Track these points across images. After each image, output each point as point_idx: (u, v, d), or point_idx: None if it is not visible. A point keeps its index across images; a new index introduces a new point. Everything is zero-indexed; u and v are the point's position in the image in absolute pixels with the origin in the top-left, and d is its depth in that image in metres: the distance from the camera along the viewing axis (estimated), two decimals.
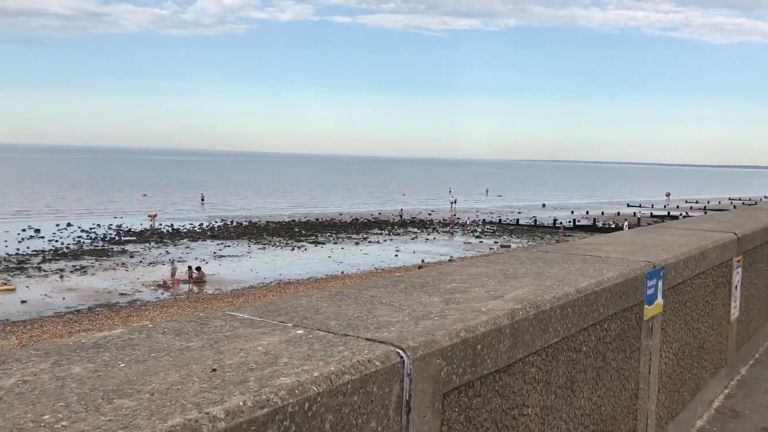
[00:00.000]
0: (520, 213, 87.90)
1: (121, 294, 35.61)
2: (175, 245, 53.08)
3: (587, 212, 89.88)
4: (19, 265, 42.61)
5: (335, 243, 56.48)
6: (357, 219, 75.94)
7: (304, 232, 62.60)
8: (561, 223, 73.24)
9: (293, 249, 52.67)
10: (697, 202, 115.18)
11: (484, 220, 77.97)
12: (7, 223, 63.07)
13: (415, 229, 67.70)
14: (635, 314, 3.41)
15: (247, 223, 68.48)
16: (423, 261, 47.18)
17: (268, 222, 70.47)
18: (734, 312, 5.40)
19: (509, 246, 56.80)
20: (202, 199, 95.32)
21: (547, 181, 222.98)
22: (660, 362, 3.86)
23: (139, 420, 1.26)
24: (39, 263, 43.36)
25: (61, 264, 43.31)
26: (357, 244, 56.45)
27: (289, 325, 1.99)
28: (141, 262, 45.24)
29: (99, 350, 1.69)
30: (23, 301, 33.20)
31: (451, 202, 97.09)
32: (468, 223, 72.67)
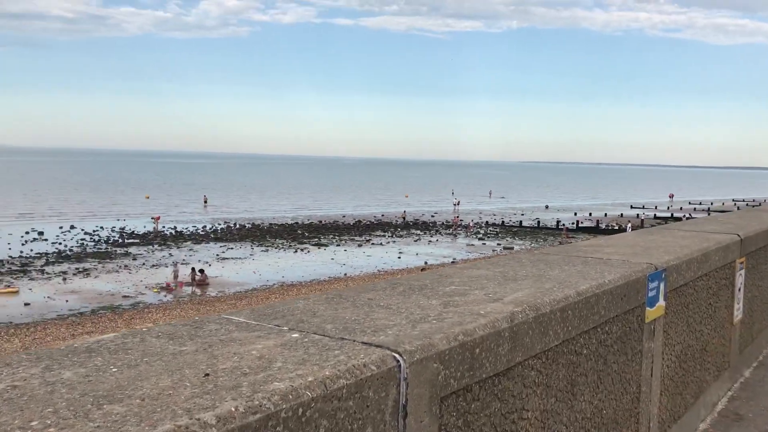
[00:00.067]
0: (523, 215, 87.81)
1: (124, 296, 35.62)
2: (178, 247, 53.11)
3: (590, 214, 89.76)
4: (23, 267, 42.66)
5: (338, 245, 56.47)
6: (360, 221, 75.91)
7: (307, 234, 62.60)
8: (564, 224, 73.13)
9: (296, 251, 52.67)
10: (700, 203, 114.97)
11: (487, 221, 77.89)
12: (11, 225, 63.17)
13: (418, 231, 67.65)
14: (637, 317, 3.39)
15: (250, 226, 68.51)
16: (426, 263, 47.13)
17: (271, 224, 70.49)
18: (737, 314, 5.37)
19: (512, 248, 56.73)
20: (205, 202, 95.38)
21: (550, 182, 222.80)
22: (662, 365, 3.83)
23: (128, 426, 1.24)
24: (42, 266, 43.41)
25: (65, 266, 43.36)
26: (360, 246, 56.43)
27: (285, 328, 1.97)
28: (144, 264, 45.27)
29: (91, 355, 1.67)
30: (26, 304, 33.23)
31: (455, 204, 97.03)
32: (471, 224, 72.60)
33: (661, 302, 3.68)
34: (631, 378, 3.36)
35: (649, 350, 3.58)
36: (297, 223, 72.63)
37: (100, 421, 1.26)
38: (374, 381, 1.66)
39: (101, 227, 63.63)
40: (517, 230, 71.11)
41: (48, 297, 34.86)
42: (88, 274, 41.29)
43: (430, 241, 60.90)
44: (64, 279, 39.64)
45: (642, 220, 77.10)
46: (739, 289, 5.38)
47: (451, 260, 48.52)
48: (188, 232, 62.42)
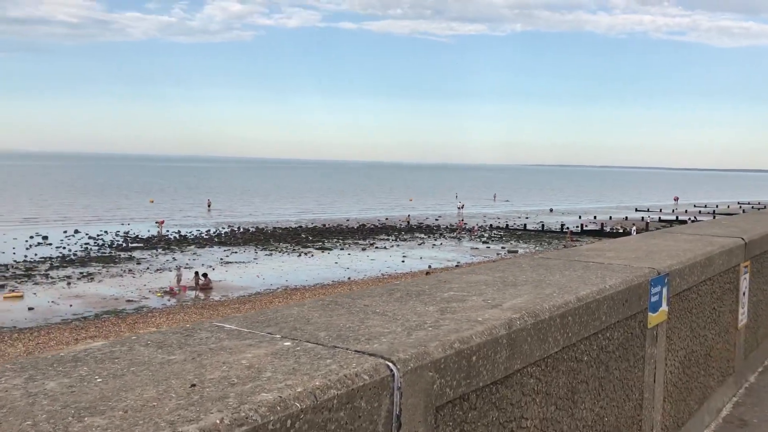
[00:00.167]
0: (527, 218, 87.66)
1: (128, 301, 35.63)
2: (182, 252, 53.14)
3: (595, 217, 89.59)
4: (27, 272, 42.73)
5: (342, 249, 56.43)
6: (364, 225, 75.89)
7: (310, 238, 62.58)
8: (568, 228, 72.97)
9: (300, 255, 52.65)
10: (705, 206, 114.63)
11: (491, 225, 77.81)
12: (16, 230, 63.32)
13: (422, 235, 67.59)
14: (639, 322, 3.34)
15: (253, 230, 68.53)
16: (430, 267, 47.07)
17: (274, 228, 70.51)
18: (742, 319, 5.31)
19: (516, 251, 56.63)
20: (209, 206, 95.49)
21: (554, 185, 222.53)
22: (665, 371, 3.78)
23: None
24: (46, 270, 43.47)
25: (69, 271, 43.41)
26: (364, 249, 56.39)
27: (277, 336, 1.93)
28: (148, 268, 45.29)
29: (77, 364, 1.64)
30: (30, 308, 33.26)
31: (459, 208, 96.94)
32: (475, 228, 72.52)
33: (664, 307, 3.63)
34: (633, 384, 3.31)
35: (652, 356, 3.53)
36: (301, 226, 72.64)
37: None
38: (366, 391, 1.62)
39: (105, 231, 63.72)
40: (522, 234, 70.99)
41: (52, 301, 34.89)
42: (92, 278, 41.33)
43: (434, 244, 60.83)
44: (68, 283, 39.68)
45: (647, 223, 76.90)
46: (744, 294, 5.32)
47: (455, 264, 48.45)
48: (192, 236, 62.46)
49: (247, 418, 1.34)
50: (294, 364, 1.66)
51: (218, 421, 1.30)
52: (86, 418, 1.30)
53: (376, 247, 57.79)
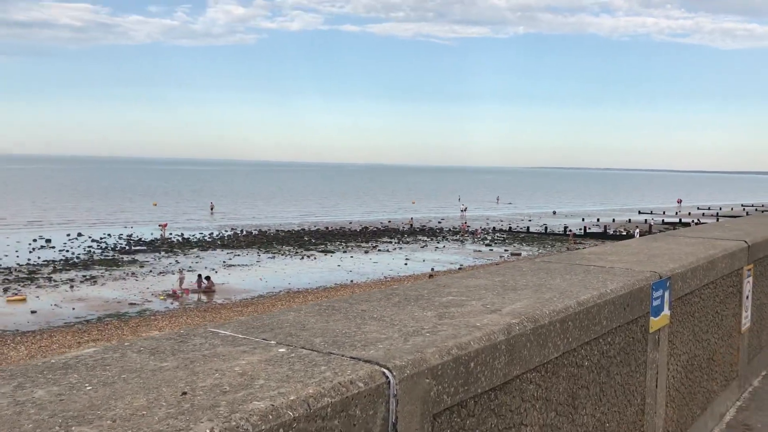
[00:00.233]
0: (530, 220, 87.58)
1: (131, 304, 35.64)
2: (185, 254, 53.17)
3: (598, 219, 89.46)
4: (30, 275, 42.77)
5: (345, 252, 56.41)
6: (367, 227, 75.86)
7: (313, 241, 62.58)
8: (571, 230, 72.89)
9: (303, 258, 52.63)
10: (709, 208, 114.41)
11: (494, 227, 77.74)
12: (19, 233, 63.42)
13: (425, 238, 67.54)
14: (640, 326, 3.31)
15: (256, 232, 68.55)
16: (433, 269, 47.02)
17: (277, 231, 70.51)
18: (745, 322, 5.27)
19: (520, 254, 56.56)
20: (212, 209, 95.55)
21: (557, 188, 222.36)
22: (667, 375, 3.74)
23: None
24: (50, 273, 43.50)
25: (72, 274, 43.45)
26: (366, 252, 56.36)
27: (272, 342, 1.90)
28: (151, 271, 45.31)
29: (67, 371, 1.61)
30: (33, 312, 33.28)
31: (462, 210, 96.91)
32: (478, 231, 72.45)
33: (666, 311, 3.59)
34: (635, 390, 3.28)
35: (654, 361, 3.50)
36: (304, 229, 72.65)
37: None
38: (362, 398, 1.59)
39: (108, 234, 63.79)
40: (525, 236, 70.92)
41: (55, 305, 34.91)
42: (95, 281, 41.36)
43: (437, 247, 60.78)
44: (71, 286, 39.71)
45: (650, 226, 76.76)
46: (747, 297, 5.29)
47: (458, 266, 48.40)
48: (195, 239, 62.49)
49: (237, 427, 1.31)
50: (288, 371, 1.63)
51: (208, 431, 1.27)
52: (73, 428, 1.27)
53: (379, 250, 57.75)
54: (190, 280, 40.44)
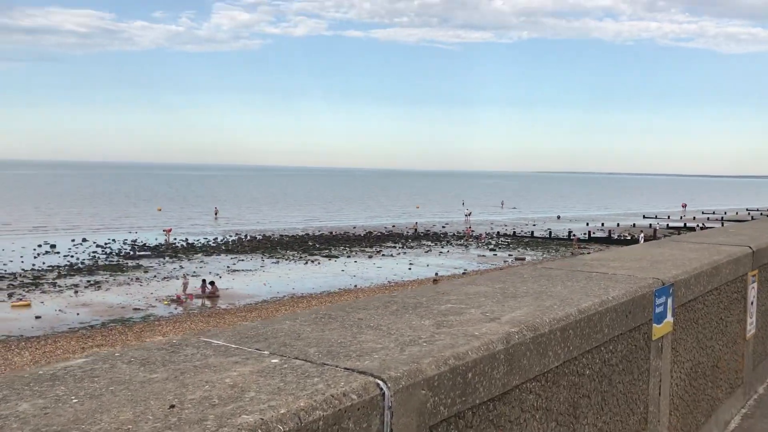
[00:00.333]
0: (534, 225, 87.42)
1: (135, 309, 35.63)
2: (189, 260, 53.19)
3: (602, 224, 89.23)
4: (35, 280, 42.83)
5: (349, 256, 56.36)
6: (371, 232, 75.80)
7: (317, 246, 62.55)
8: (575, 235, 72.71)
9: (306, 263, 52.60)
10: (714, 212, 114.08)
11: (498, 232, 77.59)
12: (24, 238, 63.54)
13: (429, 242, 67.45)
14: (643, 334, 3.26)
15: (260, 237, 68.56)
16: (437, 274, 46.92)
17: (281, 236, 70.51)
18: (750, 329, 5.22)
19: (524, 258, 56.44)
20: (216, 213, 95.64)
21: (562, 192, 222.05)
22: (671, 383, 3.70)
23: None
24: (54, 279, 43.54)
25: (76, 279, 43.48)
26: (371, 257, 56.30)
27: (265, 353, 1.87)
28: (155, 276, 45.33)
29: (55, 383, 1.58)
30: (37, 317, 33.28)
31: (466, 215, 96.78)
32: (483, 235, 72.35)
33: (669, 318, 3.55)
34: (638, 398, 3.23)
35: (657, 368, 3.46)
36: (308, 234, 72.64)
37: None
38: (355, 411, 1.55)
39: (113, 240, 63.86)
40: (529, 241, 70.77)
41: (59, 310, 34.92)
42: (100, 286, 41.38)
43: (441, 252, 60.69)
44: (76, 292, 39.73)
45: (655, 230, 76.54)
46: (752, 303, 5.23)
47: (462, 271, 48.31)
48: (199, 244, 62.53)
49: None
50: (279, 383, 1.60)
51: None
52: None
53: (383, 255, 57.69)
54: (194, 285, 40.44)
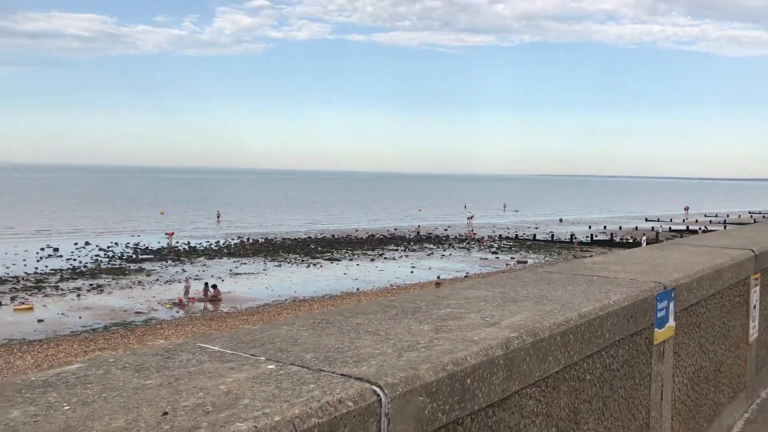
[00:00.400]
0: (537, 228, 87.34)
1: (137, 313, 35.63)
2: (191, 263, 53.20)
3: (605, 227, 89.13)
4: (37, 284, 42.85)
5: (351, 260, 56.34)
6: (373, 235, 75.78)
7: (320, 249, 62.54)
8: (576, 238, 72.63)
9: (309, 266, 52.59)
10: (716, 215, 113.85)
11: (500, 235, 77.54)
12: (27, 242, 63.60)
13: (432, 245, 67.41)
14: (645, 338, 3.24)
15: (263, 240, 68.57)
16: (439, 277, 46.88)
17: (284, 239, 70.51)
18: (753, 333, 5.19)
19: (526, 261, 56.36)
20: (218, 217, 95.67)
21: (564, 195, 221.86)
22: (673, 388, 3.67)
23: None
24: (57, 282, 43.58)
25: (79, 283, 43.50)
26: (373, 260, 56.27)
27: (261, 359, 1.85)
28: (157, 280, 45.34)
29: (47, 390, 1.56)
30: (40, 320, 33.30)
31: (468, 218, 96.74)
32: (485, 238, 72.29)
33: (671, 323, 3.52)
34: (639, 403, 3.21)
35: (659, 373, 3.43)
36: (310, 237, 72.63)
37: None
38: (351, 418, 1.53)
39: (116, 243, 63.90)
40: (531, 244, 70.71)
41: (61, 313, 34.94)
42: (102, 290, 41.40)
43: (443, 255, 60.65)
44: (78, 295, 39.75)
45: (657, 233, 76.43)
46: (755, 307, 5.20)
47: (464, 274, 48.27)
48: (202, 248, 62.55)
49: None
50: (275, 390, 1.57)
51: None
52: None
53: (385, 258, 57.66)
54: (197, 288, 40.44)
